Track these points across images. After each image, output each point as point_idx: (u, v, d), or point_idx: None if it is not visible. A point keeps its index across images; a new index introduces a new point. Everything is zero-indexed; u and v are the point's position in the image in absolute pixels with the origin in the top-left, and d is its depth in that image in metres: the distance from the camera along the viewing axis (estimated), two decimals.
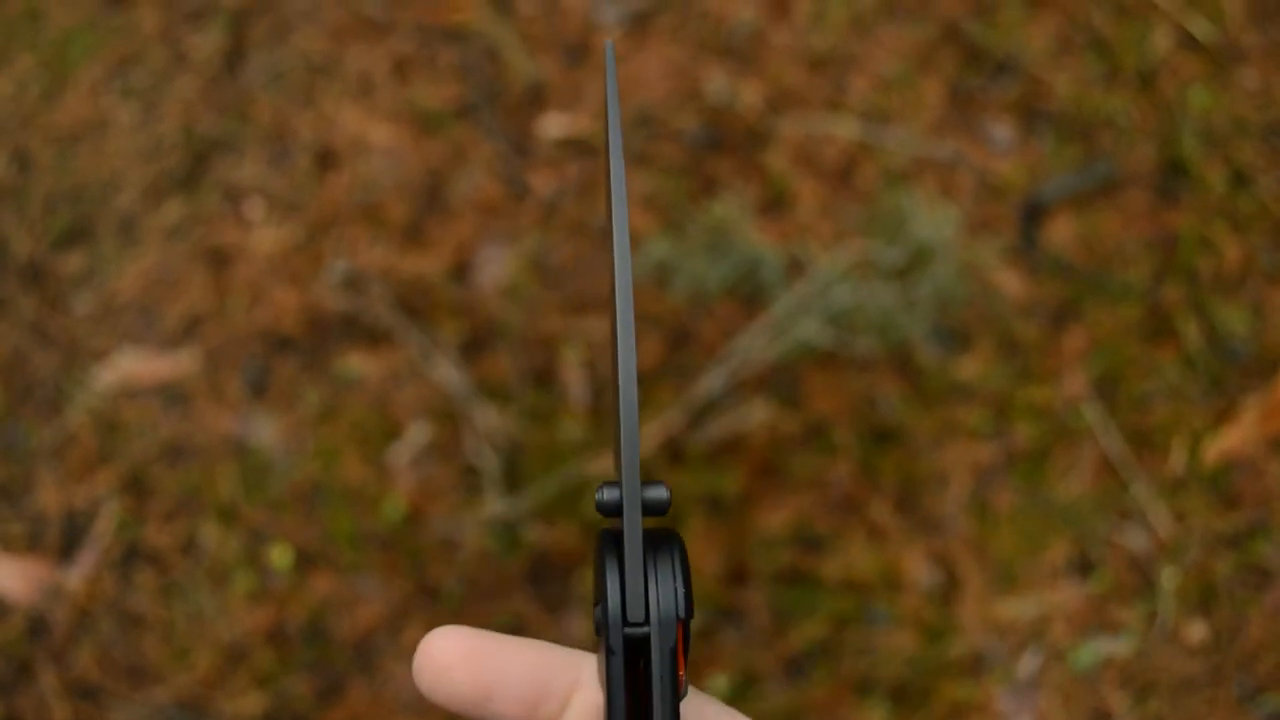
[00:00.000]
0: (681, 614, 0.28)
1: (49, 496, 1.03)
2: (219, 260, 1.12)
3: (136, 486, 1.04)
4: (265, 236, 1.13)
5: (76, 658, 0.98)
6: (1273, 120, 1.16)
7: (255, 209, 1.14)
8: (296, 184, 1.15)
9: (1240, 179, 1.14)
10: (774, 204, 1.14)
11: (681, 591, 0.28)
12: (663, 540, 0.29)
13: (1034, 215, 1.13)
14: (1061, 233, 1.12)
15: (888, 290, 1.07)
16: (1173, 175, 1.14)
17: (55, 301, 1.11)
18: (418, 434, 1.05)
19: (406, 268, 1.11)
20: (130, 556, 1.02)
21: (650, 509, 0.29)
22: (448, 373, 1.06)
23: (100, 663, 0.98)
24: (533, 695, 0.30)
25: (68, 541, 1.02)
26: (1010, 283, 1.10)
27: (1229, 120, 1.16)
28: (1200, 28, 1.20)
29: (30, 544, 1.02)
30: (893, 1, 1.22)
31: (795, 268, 1.10)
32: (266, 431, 1.05)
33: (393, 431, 1.05)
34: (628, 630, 0.28)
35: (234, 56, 1.21)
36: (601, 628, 0.28)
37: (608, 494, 0.29)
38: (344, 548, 1.01)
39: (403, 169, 1.16)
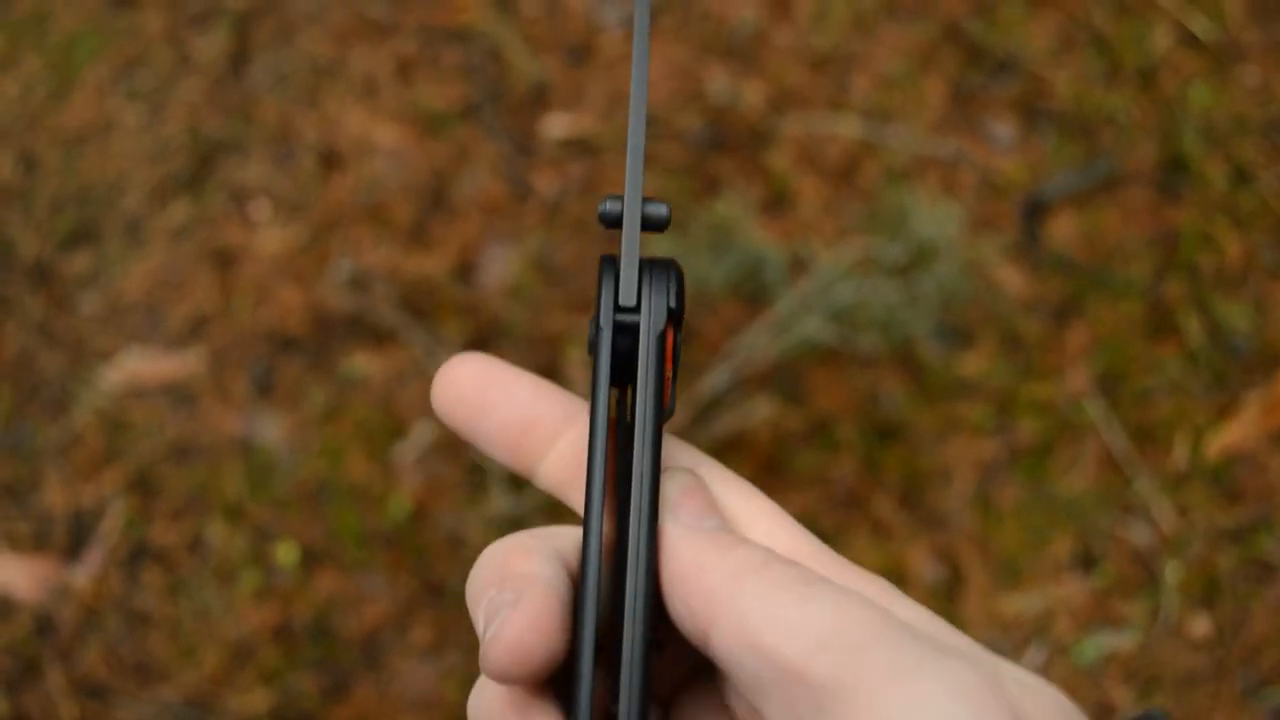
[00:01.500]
0: (672, 304, 0.28)
1: (56, 496, 1.04)
2: (224, 261, 1.13)
3: (143, 485, 1.04)
4: (270, 237, 1.13)
5: (83, 656, 0.98)
6: (1273, 117, 1.17)
7: (260, 210, 1.15)
8: (301, 185, 1.16)
9: (1241, 176, 1.14)
10: (777, 202, 1.14)
11: (674, 288, 0.28)
12: (662, 260, 0.29)
13: (1036, 212, 1.13)
14: (1063, 230, 1.13)
15: (890, 287, 1.08)
16: (1174, 172, 1.15)
17: (62, 302, 1.12)
18: (423, 432, 1.06)
19: (411, 267, 1.12)
20: (137, 555, 1.02)
21: (650, 223, 0.29)
22: None
23: (107, 661, 0.98)
24: (524, 420, 0.31)
25: (74, 540, 1.03)
26: (1012, 279, 1.10)
27: (1229, 117, 1.17)
28: (1200, 25, 1.20)
29: (37, 543, 1.03)
30: (894, 1, 1.23)
31: (798, 266, 1.10)
32: (272, 430, 1.06)
33: (398, 430, 1.06)
34: (619, 317, 0.28)
35: (239, 59, 1.22)
36: (594, 323, 0.28)
37: (610, 205, 0.29)
38: (350, 546, 1.01)
39: (407, 169, 1.16)
